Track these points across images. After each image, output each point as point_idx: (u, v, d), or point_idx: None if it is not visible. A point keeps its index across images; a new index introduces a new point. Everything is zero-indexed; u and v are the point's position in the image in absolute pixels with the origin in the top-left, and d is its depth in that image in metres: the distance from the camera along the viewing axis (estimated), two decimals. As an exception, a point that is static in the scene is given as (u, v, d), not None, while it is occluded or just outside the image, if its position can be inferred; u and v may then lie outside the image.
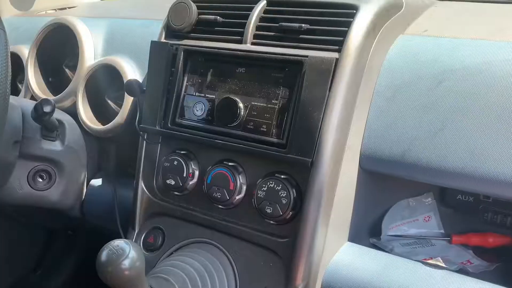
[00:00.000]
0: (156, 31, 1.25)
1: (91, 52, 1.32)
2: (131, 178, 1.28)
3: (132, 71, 1.25)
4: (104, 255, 0.75)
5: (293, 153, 0.90)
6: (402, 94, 0.89)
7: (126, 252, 0.74)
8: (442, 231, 1.05)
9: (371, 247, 1.00)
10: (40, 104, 1.04)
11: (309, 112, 0.89)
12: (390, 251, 0.98)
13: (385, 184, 1.02)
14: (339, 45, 0.87)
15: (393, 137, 0.89)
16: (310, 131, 0.89)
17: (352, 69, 0.86)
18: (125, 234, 1.11)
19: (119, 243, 0.76)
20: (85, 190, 1.31)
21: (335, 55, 0.87)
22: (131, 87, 1.11)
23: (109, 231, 1.24)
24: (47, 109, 1.04)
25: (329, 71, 0.87)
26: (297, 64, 0.91)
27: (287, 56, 0.92)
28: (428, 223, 1.06)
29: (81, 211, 1.31)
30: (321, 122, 0.86)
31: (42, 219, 1.56)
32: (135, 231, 1.10)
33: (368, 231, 1.05)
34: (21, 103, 1.13)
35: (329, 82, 0.86)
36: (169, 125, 1.06)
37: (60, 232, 1.77)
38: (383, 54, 0.93)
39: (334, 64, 0.86)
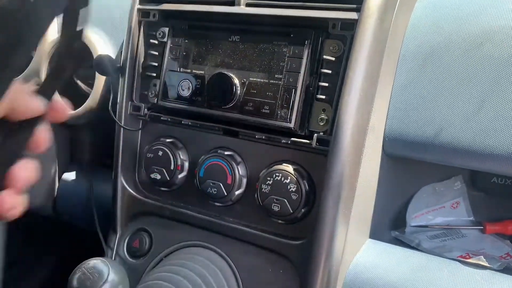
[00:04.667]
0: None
1: (54, 25, 1.12)
2: (109, 170, 1.11)
3: (103, 45, 1.06)
4: (75, 281, 0.58)
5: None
6: (433, 62, 0.73)
7: (104, 276, 0.58)
8: (472, 218, 0.92)
9: (394, 242, 0.86)
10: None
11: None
12: (417, 246, 0.84)
13: (408, 169, 0.88)
14: (357, 3, 0.70)
15: (424, 115, 0.73)
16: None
17: (375, 33, 0.69)
18: (105, 238, 0.95)
19: (95, 263, 0.60)
20: (56, 186, 1.13)
21: (353, 15, 0.70)
22: (101, 64, 0.93)
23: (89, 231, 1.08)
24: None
25: (349, 36, 0.70)
26: (307, 29, 0.74)
27: (295, 19, 0.74)
28: (456, 210, 0.92)
29: (54, 210, 1.14)
30: (339, 99, 0.70)
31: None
32: (116, 234, 0.93)
33: (389, 223, 0.90)
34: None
35: (348, 50, 0.70)
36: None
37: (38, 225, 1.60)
38: (408, 12, 0.76)
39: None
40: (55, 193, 1.14)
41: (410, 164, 0.85)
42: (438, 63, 0.73)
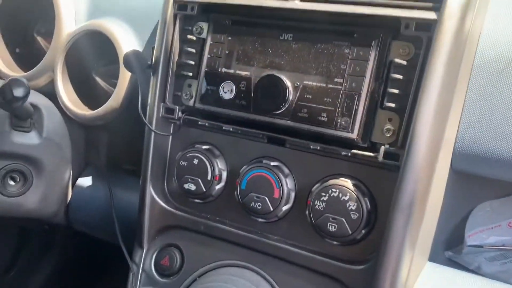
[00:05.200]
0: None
1: (71, 14, 1.03)
2: (128, 176, 1.03)
3: (128, 39, 0.97)
4: None
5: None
6: (510, 76, 0.66)
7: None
8: (530, 238, 0.85)
9: (450, 264, 0.79)
10: (8, 86, 0.76)
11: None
12: (477, 270, 0.77)
13: (466, 184, 0.80)
14: (436, 2, 0.62)
15: (499, 130, 0.66)
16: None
17: (455, 36, 0.61)
18: (130, 252, 0.86)
19: None
20: (70, 192, 1.04)
21: (430, 14, 0.62)
22: (130, 61, 0.83)
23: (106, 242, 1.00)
24: (18, 92, 0.76)
25: (426, 38, 0.62)
26: (374, 28, 0.66)
27: (360, 17, 0.66)
28: (513, 229, 0.85)
29: (67, 219, 1.04)
30: (412, 109, 0.62)
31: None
32: (143, 249, 0.85)
33: (443, 241, 0.83)
34: (-19, 84, 0.84)
35: (426, 55, 0.62)
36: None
37: (35, 228, 1.50)
38: (482, 16, 0.69)
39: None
40: (68, 200, 1.04)
41: (469, 179, 0.77)
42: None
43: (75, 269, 1.38)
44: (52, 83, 1.04)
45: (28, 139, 0.92)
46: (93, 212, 1.02)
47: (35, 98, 0.94)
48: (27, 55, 1.13)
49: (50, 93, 1.03)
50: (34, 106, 0.92)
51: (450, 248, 0.84)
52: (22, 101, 0.78)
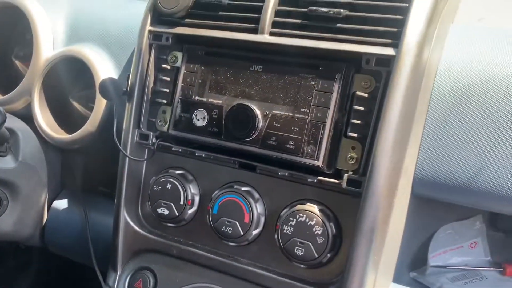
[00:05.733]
0: (131, 13, 1.01)
1: (49, 40, 1.05)
2: (103, 198, 1.04)
3: (104, 65, 0.99)
4: None
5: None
6: (468, 104, 0.70)
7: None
8: (490, 258, 0.89)
9: (414, 284, 0.82)
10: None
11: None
12: (439, 291, 0.80)
13: (428, 207, 0.84)
14: (394, 38, 0.67)
15: (458, 158, 0.70)
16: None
17: (413, 71, 0.66)
18: (103, 274, 0.87)
19: None
20: (46, 215, 1.04)
21: (389, 51, 0.66)
22: (106, 88, 0.86)
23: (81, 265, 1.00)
24: (-6, 119, 0.78)
25: (385, 72, 0.67)
26: (337, 62, 0.70)
27: (324, 51, 0.70)
28: (474, 250, 0.89)
29: (42, 241, 1.05)
30: (373, 139, 0.66)
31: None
32: (117, 272, 0.86)
33: (408, 262, 0.86)
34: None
35: (386, 88, 0.66)
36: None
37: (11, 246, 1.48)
38: (439, 50, 0.73)
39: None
40: (44, 222, 1.05)
41: (430, 202, 0.81)
42: (474, 105, 0.70)
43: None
44: (29, 106, 1.05)
45: (4, 163, 0.92)
46: (68, 234, 1.03)
47: (12, 122, 0.96)
48: (5, 78, 1.14)
49: (27, 116, 1.04)
50: (10, 130, 0.93)
51: (415, 269, 0.87)
52: (-2, 127, 0.79)
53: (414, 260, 0.87)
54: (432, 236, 0.87)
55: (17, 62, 1.16)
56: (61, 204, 1.07)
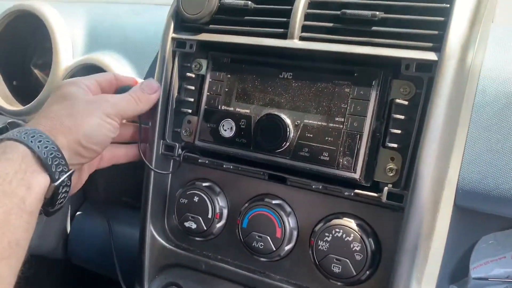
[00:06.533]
0: (151, 19, 0.98)
1: (68, 48, 1.03)
2: (127, 209, 1.02)
3: (125, 74, 0.96)
4: None
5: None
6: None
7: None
8: (534, 270, 0.84)
9: (455, 299, 0.78)
10: (6, 129, 0.75)
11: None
12: (483, 306, 0.76)
13: (470, 217, 0.79)
14: (436, 42, 0.62)
15: (503, 167, 0.65)
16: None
17: (456, 75, 0.61)
18: (130, 291, 0.85)
19: None
20: (68, 227, 1.02)
21: (431, 55, 0.62)
22: None
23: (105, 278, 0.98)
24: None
25: (426, 78, 0.62)
26: (374, 68, 0.65)
27: (359, 56, 0.66)
28: (517, 261, 0.84)
29: (65, 254, 1.03)
30: (416, 149, 0.62)
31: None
32: (143, 288, 0.83)
33: (448, 275, 0.82)
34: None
35: (428, 95, 0.62)
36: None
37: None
38: (482, 52, 0.69)
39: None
40: (67, 235, 1.03)
41: (472, 212, 0.77)
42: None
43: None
44: (49, 116, 1.03)
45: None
46: (92, 247, 1.01)
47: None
48: (24, 88, 1.12)
49: (48, 126, 1.02)
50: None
51: (455, 281, 0.83)
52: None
53: (454, 271, 0.83)
54: (473, 246, 0.82)
55: (36, 71, 1.14)
56: (84, 215, 1.05)
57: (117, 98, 0.72)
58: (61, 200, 0.65)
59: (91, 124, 0.66)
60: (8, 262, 0.56)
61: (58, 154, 0.62)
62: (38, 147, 0.60)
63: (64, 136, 0.64)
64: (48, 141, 0.61)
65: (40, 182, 0.60)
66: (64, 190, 0.64)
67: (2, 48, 1.11)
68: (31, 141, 0.60)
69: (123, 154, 0.80)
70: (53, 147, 0.62)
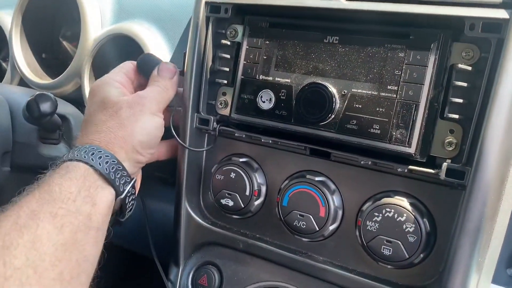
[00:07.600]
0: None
1: (97, 18, 0.98)
2: (160, 184, 0.98)
3: (156, 42, 0.91)
4: None
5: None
6: None
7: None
8: None
9: (513, 284, 0.71)
10: (35, 102, 0.72)
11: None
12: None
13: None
14: (507, -3, 0.54)
15: None
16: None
17: (532, 36, 0.53)
18: (165, 270, 0.82)
19: None
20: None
21: (501, 13, 0.54)
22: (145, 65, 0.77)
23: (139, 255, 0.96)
24: (45, 107, 0.72)
25: (495, 40, 0.55)
26: (432, 29, 0.58)
27: (415, 16, 0.59)
28: None
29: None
30: (483, 121, 0.55)
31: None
32: (179, 267, 0.80)
33: (506, 258, 0.76)
34: (8, 96, 0.80)
35: (496, 59, 0.54)
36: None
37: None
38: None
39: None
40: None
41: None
42: None
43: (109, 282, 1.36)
44: (79, 89, 1.00)
45: (57, 152, 0.88)
46: (125, 224, 0.98)
47: (63, 108, 0.90)
48: (53, 61, 1.09)
49: (78, 100, 0.99)
50: (62, 117, 0.88)
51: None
52: (49, 116, 0.74)
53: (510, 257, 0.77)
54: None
55: (65, 43, 1.11)
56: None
57: (151, 93, 0.71)
58: (130, 207, 0.68)
59: (143, 128, 0.67)
60: (78, 280, 0.56)
61: (119, 167, 0.63)
62: (100, 163, 0.61)
63: (120, 147, 0.65)
64: (107, 156, 0.63)
65: (105, 197, 0.62)
66: (130, 198, 0.67)
67: (30, 20, 1.08)
68: (92, 159, 0.61)
69: (166, 150, 0.79)
70: (113, 161, 0.63)
